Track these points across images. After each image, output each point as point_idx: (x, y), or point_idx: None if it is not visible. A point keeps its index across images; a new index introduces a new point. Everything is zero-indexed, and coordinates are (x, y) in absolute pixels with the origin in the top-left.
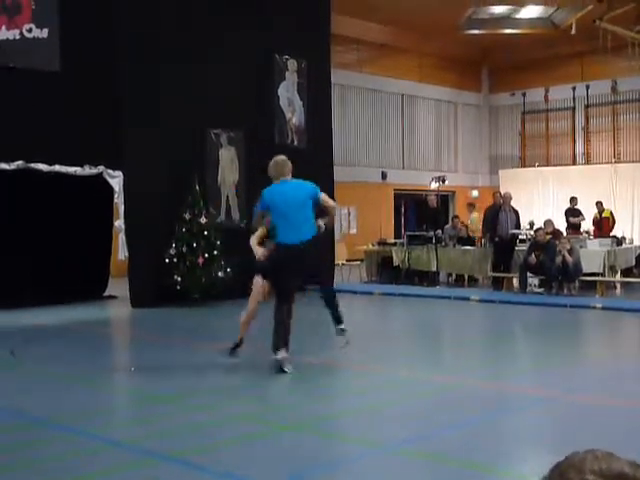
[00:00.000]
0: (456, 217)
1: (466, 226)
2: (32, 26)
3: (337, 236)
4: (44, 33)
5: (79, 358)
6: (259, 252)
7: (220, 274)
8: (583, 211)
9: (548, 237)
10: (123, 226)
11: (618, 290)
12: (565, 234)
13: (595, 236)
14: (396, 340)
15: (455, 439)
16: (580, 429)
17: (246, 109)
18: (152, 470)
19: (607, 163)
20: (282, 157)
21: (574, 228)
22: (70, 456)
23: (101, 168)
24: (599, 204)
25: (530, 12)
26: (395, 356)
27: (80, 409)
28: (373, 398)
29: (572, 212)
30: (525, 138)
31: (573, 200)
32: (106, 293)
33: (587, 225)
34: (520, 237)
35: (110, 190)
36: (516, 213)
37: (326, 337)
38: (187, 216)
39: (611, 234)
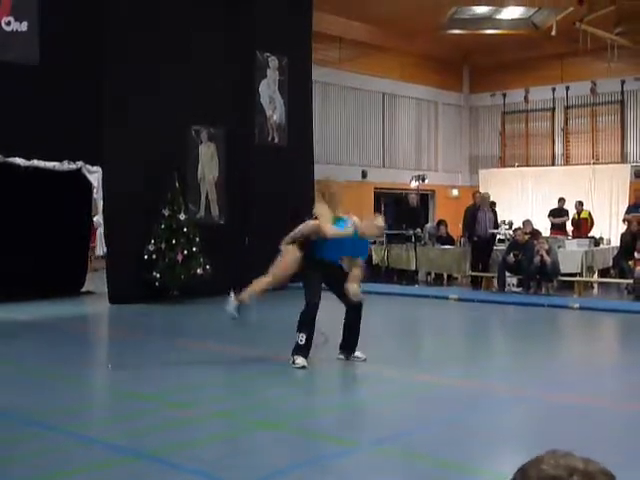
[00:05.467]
0: (442, 221)
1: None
2: (11, 19)
3: None
4: (23, 26)
5: (56, 354)
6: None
7: (199, 271)
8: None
9: (527, 237)
10: (102, 222)
11: (595, 290)
12: (549, 234)
13: (573, 237)
14: (374, 338)
15: (433, 438)
16: (558, 428)
17: (227, 106)
18: (127, 468)
19: (586, 164)
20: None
21: (558, 228)
22: (46, 454)
23: (80, 163)
24: (579, 204)
25: (511, 13)
26: (373, 354)
27: (57, 406)
28: (351, 396)
29: (558, 212)
30: (505, 138)
31: (561, 201)
32: (84, 289)
33: (566, 225)
34: (499, 237)
35: (89, 185)
36: (494, 213)
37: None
38: (166, 212)
39: (589, 235)
